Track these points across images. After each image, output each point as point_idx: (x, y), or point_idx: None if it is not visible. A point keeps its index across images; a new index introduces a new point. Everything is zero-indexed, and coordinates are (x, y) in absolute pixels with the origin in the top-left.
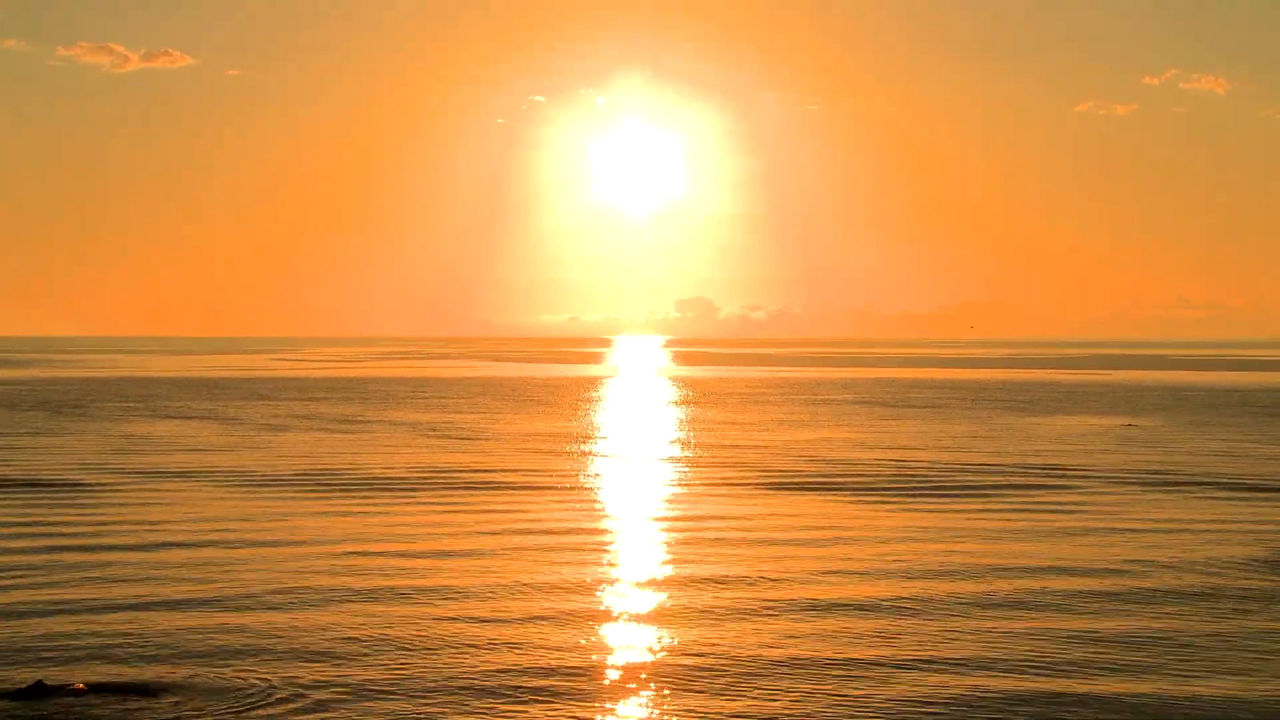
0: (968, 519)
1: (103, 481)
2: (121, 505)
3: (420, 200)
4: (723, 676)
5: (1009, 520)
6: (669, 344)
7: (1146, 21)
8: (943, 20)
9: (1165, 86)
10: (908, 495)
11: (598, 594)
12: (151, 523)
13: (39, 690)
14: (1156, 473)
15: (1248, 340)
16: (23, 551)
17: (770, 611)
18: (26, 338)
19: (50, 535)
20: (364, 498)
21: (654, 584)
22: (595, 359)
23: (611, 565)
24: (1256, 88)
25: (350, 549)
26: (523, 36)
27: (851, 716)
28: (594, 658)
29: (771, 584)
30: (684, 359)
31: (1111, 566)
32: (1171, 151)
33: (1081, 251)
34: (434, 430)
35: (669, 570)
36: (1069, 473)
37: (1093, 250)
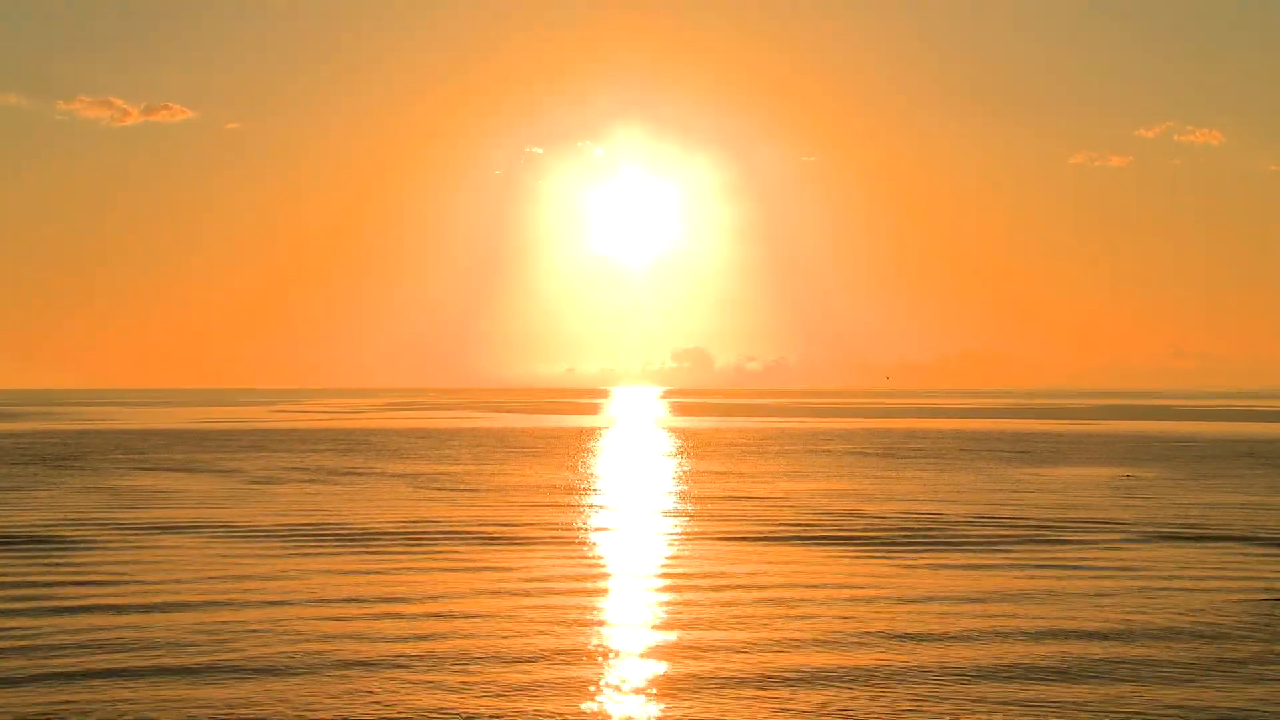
0: (967, 576)
1: (91, 537)
2: (110, 563)
3: (418, 252)
4: None
5: (1009, 578)
6: (666, 394)
7: (1141, 74)
8: (939, 73)
9: (1160, 139)
10: (907, 549)
11: (595, 661)
12: (140, 582)
13: None
14: (1157, 525)
15: (1242, 390)
16: (4, 614)
17: (771, 681)
18: (24, 390)
19: (35, 597)
20: (358, 552)
21: (653, 649)
22: (593, 410)
23: (608, 626)
24: (1251, 140)
25: (342, 612)
26: (521, 89)
27: None
28: None
29: (773, 649)
30: (681, 409)
31: (1114, 628)
32: (1166, 203)
33: (1077, 301)
34: (431, 482)
35: (669, 635)
36: (1068, 525)
37: (1088, 300)
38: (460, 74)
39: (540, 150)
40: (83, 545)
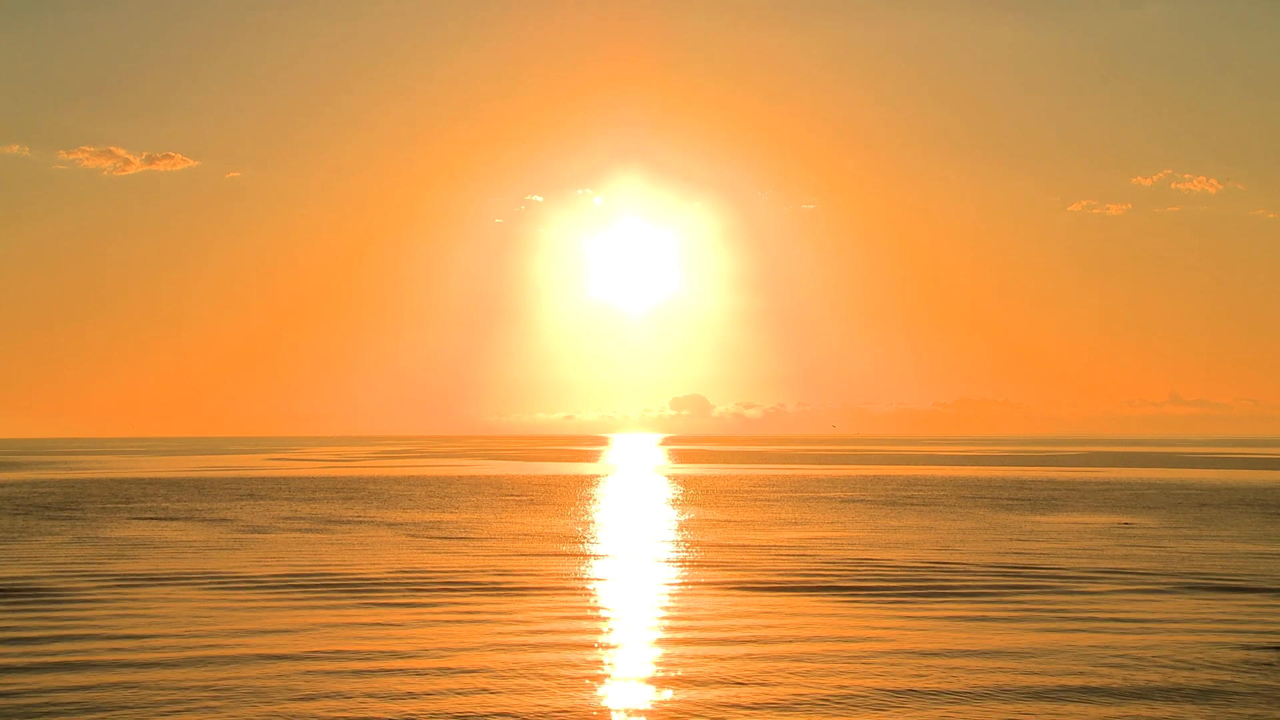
0: (970, 629)
1: (79, 589)
2: (96, 617)
3: (418, 300)
4: None
5: (1011, 631)
6: (665, 441)
7: (1138, 123)
8: (938, 121)
9: (1158, 187)
10: (907, 599)
11: None
12: (125, 637)
13: None
14: (1157, 573)
15: (1239, 438)
16: None
17: None
18: (23, 439)
19: (24, 653)
20: (354, 603)
21: (653, 709)
22: (592, 457)
23: (608, 683)
24: (1247, 188)
25: (336, 667)
26: (522, 137)
27: None
28: None
29: (774, 708)
30: (681, 456)
31: (1116, 684)
32: (1165, 251)
33: (1075, 349)
34: (429, 530)
35: (669, 693)
36: (1069, 575)
37: (1086, 348)
38: (461, 122)
39: (540, 198)
40: (69, 598)
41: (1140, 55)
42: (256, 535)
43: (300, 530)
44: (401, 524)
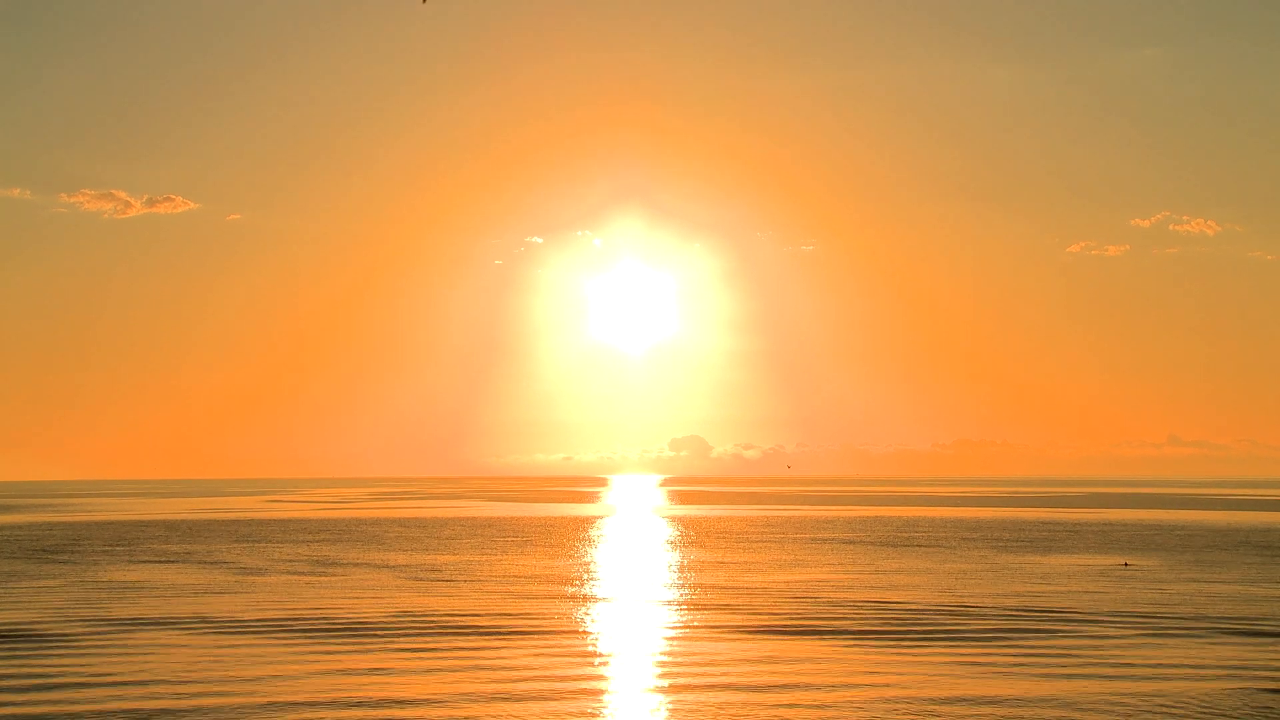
0: (972, 674)
1: (72, 633)
2: (87, 663)
3: (417, 341)
4: None
5: (1012, 676)
6: (665, 482)
7: (1137, 165)
8: (938, 164)
9: (1156, 228)
10: (909, 642)
11: None
12: (115, 684)
13: None
14: (1158, 616)
15: (1239, 479)
16: None
17: None
18: (23, 482)
19: (23, 701)
20: (349, 648)
21: None
22: (592, 498)
23: None
24: (1245, 229)
25: (334, 716)
26: (522, 179)
27: None
28: None
29: None
30: (680, 498)
31: None
32: (1162, 292)
33: (1074, 390)
34: (427, 572)
35: None
36: (1070, 616)
37: (1085, 389)
38: (461, 164)
39: (540, 240)
40: (68, 643)
41: (1138, 98)
42: (254, 578)
43: (298, 573)
44: (401, 566)
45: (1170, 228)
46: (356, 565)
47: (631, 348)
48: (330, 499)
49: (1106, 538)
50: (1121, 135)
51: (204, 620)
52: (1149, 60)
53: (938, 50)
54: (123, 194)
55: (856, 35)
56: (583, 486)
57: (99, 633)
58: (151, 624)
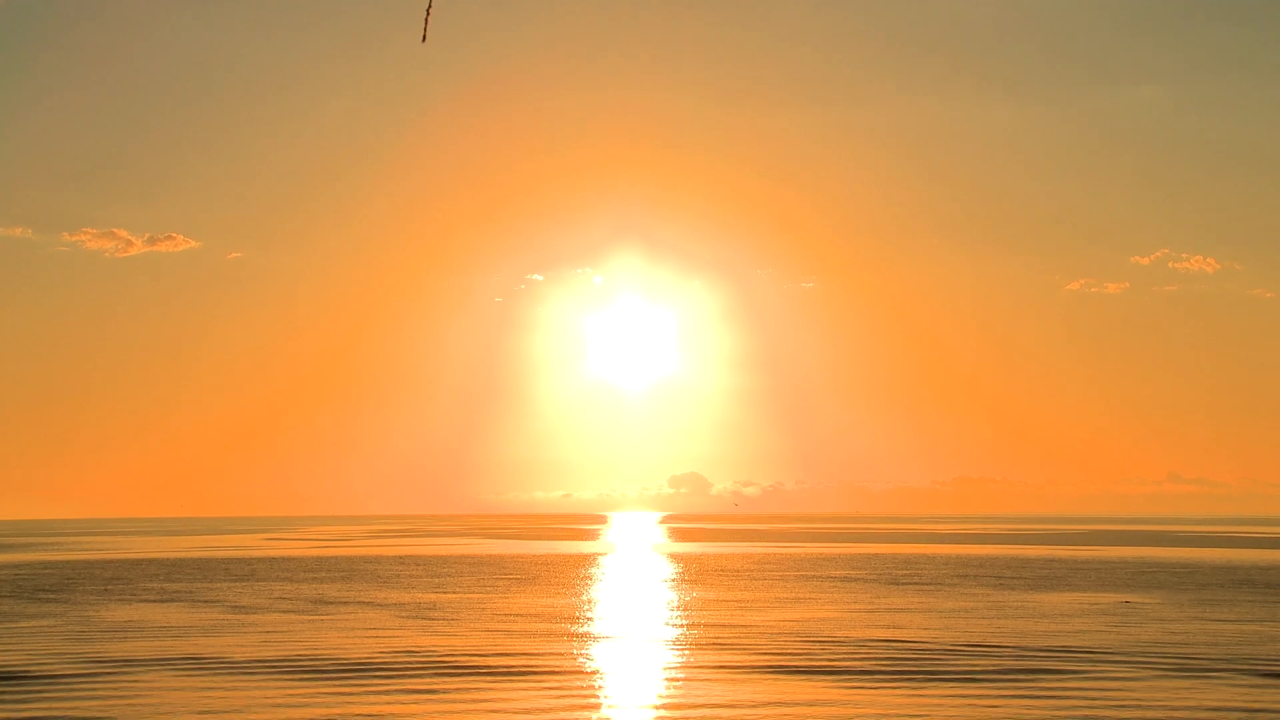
0: (976, 718)
1: (62, 673)
2: (91, 705)
3: (417, 378)
4: None
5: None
6: (666, 520)
7: (1136, 203)
8: (937, 201)
9: (1155, 266)
10: (912, 681)
11: None
12: None
13: None
14: (1160, 656)
15: (1239, 516)
16: None
17: None
18: (22, 521)
19: None
20: (343, 690)
21: None
22: (591, 535)
23: None
24: (1245, 267)
25: None
26: (521, 216)
27: None
28: None
29: None
30: (680, 535)
31: None
32: (1162, 329)
33: (1073, 427)
34: (425, 611)
35: None
36: (1071, 654)
37: (1085, 426)
38: (461, 202)
39: (540, 277)
40: (61, 685)
41: (1137, 136)
42: (249, 617)
43: (294, 611)
44: (399, 604)
45: (1170, 265)
46: (354, 603)
47: (631, 384)
48: (329, 537)
49: (1107, 575)
50: (1121, 173)
51: (195, 660)
52: (1148, 98)
53: (937, 89)
54: (124, 233)
55: (857, 74)
56: (582, 524)
57: (87, 674)
58: (142, 664)
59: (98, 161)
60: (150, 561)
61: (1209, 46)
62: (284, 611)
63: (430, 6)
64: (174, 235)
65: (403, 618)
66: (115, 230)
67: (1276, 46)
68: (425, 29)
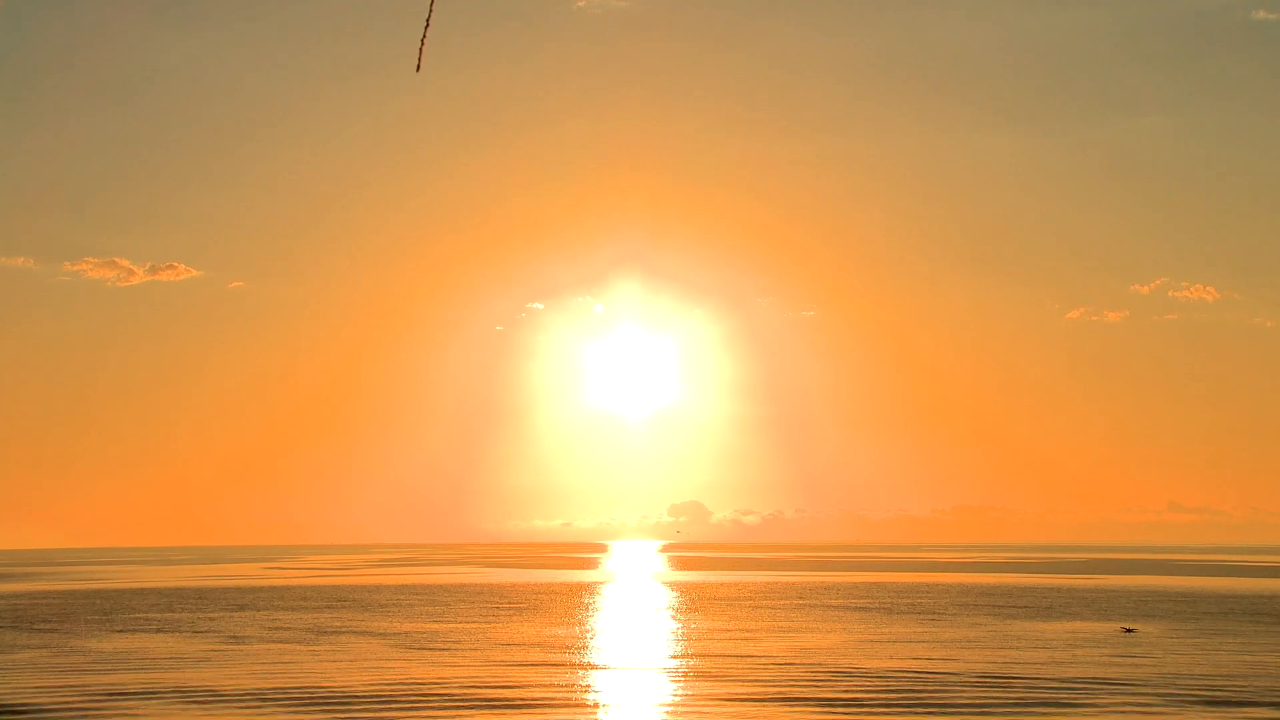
0: None
1: (49, 705)
2: None
3: (418, 407)
4: None
5: None
6: (666, 548)
7: (1136, 231)
8: (938, 230)
9: (1155, 294)
10: (917, 712)
11: None
12: None
13: None
14: (1163, 685)
15: (1239, 545)
16: None
17: None
18: (24, 550)
19: None
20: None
21: None
22: (592, 564)
23: None
24: (1244, 296)
25: None
26: (523, 244)
27: None
28: None
29: None
30: (681, 564)
31: None
32: (1162, 358)
33: (1074, 456)
34: (425, 640)
35: None
36: (1074, 686)
37: (1085, 454)
38: (462, 230)
39: (541, 305)
40: (32, 715)
41: (1137, 166)
42: (242, 647)
43: (288, 641)
44: (395, 634)
45: (1170, 294)
46: (350, 633)
47: (632, 413)
48: (329, 566)
49: (1109, 604)
50: (1121, 202)
51: (183, 692)
52: (1148, 128)
53: (938, 118)
54: (125, 262)
55: (858, 104)
56: (582, 552)
57: (73, 707)
58: (128, 696)
59: (99, 192)
60: (150, 591)
61: (1208, 78)
62: (279, 641)
63: (424, 37)
64: (175, 265)
65: (398, 647)
66: (117, 260)
67: (1275, 78)
68: (419, 59)
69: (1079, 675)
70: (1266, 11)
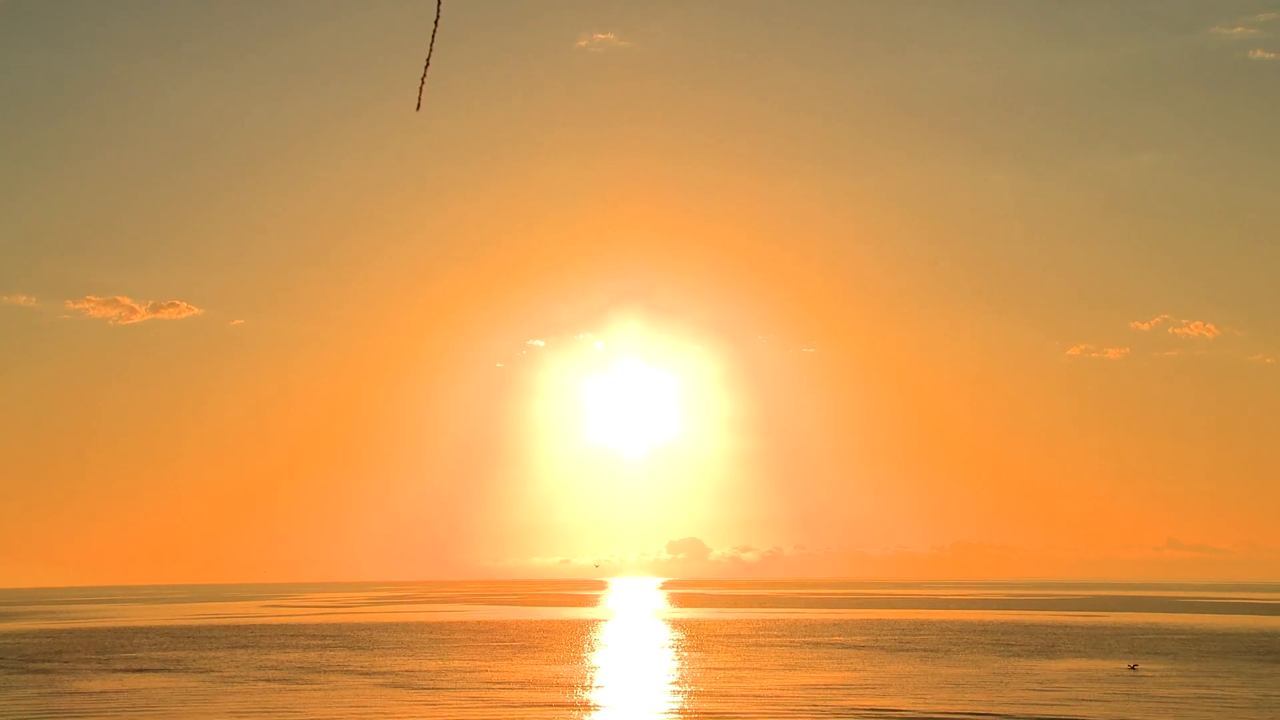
0: None
1: None
2: None
3: (417, 444)
4: None
5: None
6: (666, 585)
7: (1136, 268)
8: (938, 267)
9: (1155, 331)
10: None
11: None
12: None
13: None
14: None
15: (1238, 582)
16: None
17: None
18: (20, 590)
19: None
20: None
21: None
22: (591, 601)
23: None
24: (1244, 333)
25: None
26: (524, 281)
27: None
28: None
29: None
30: (681, 600)
31: None
32: (1162, 394)
33: (1074, 492)
34: (421, 680)
35: None
36: None
37: (1084, 491)
38: (463, 268)
39: (542, 343)
40: None
41: (1137, 202)
42: (229, 687)
43: (276, 680)
44: (385, 672)
45: (1170, 330)
46: (339, 671)
47: (631, 449)
48: (327, 603)
49: (1110, 641)
50: (1121, 239)
51: None
52: (1147, 165)
53: (938, 155)
54: (127, 300)
55: (858, 141)
56: (582, 589)
57: None
58: None
59: (101, 230)
60: (145, 630)
61: (1208, 114)
62: (265, 680)
63: (425, 75)
64: (177, 302)
65: (386, 686)
66: (119, 298)
67: (1274, 114)
68: (420, 97)
69: (1090, 715)
70: (1264, 51)
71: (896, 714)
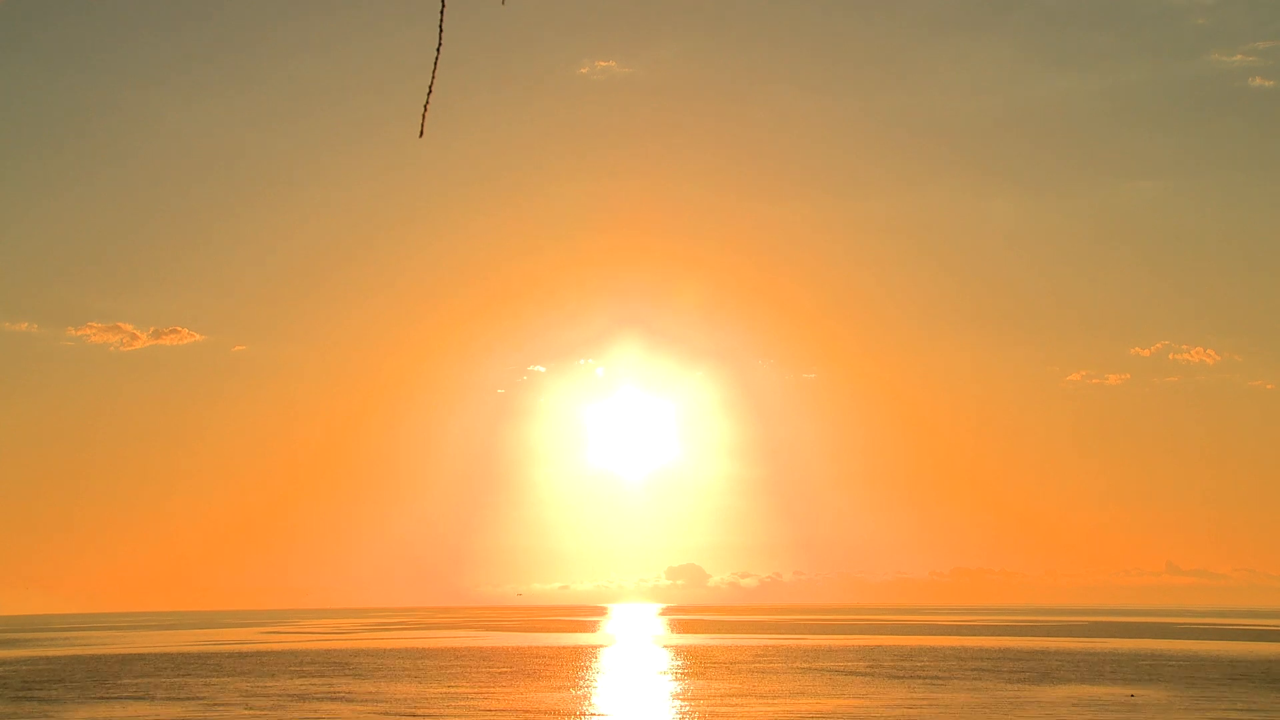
0: None
1: None
2: None
3: (417, 470)
4: None
5: None
6: (666, 611)
7: (1136, 294)
8: (938, 293)
9: (1156, 357)
10: None
11: None
12: None
13: None
14: None
15: (1238, 609)
16: None
17: None
18: (18, 616)
19: None
20: None
21: None
22: (591, 627)
23: None
24: (1245, 359)
25: None
26: (525, 307)
27: None
28: None
29: None
30: (682, 626)
31: None
32: (1162, 421)
33: (1074, 518)
34: (404, 705)
35: None
36: None
37: (1083, 517)
38: (464, 293)
39: (543, 369)
40: None
41: (1137, 228)
42: (215, 715)
43: (264, 710)
44: (377, 699)
45: (1170, 357)
46: (329, 699)
47: (631, 474)
48: (326, 630)
49: (1109, 668)
50: (1121, 265)
51: None
52: (1148, 191)
53: (938, 181)
54: (129, 326)
55: (857, 166)
56: (581, 615)
57: None
58: None
59: (102, 256)
60: (142, 657)
61: (1208, 140)
62: (253, 709)
63: (428, 102)
64: (179, 329)
65: (377, 715)
66: (120, 324)
67: (1274, 141)
68: (422, 124)
69: None
70: (1263, 79)
71: None
